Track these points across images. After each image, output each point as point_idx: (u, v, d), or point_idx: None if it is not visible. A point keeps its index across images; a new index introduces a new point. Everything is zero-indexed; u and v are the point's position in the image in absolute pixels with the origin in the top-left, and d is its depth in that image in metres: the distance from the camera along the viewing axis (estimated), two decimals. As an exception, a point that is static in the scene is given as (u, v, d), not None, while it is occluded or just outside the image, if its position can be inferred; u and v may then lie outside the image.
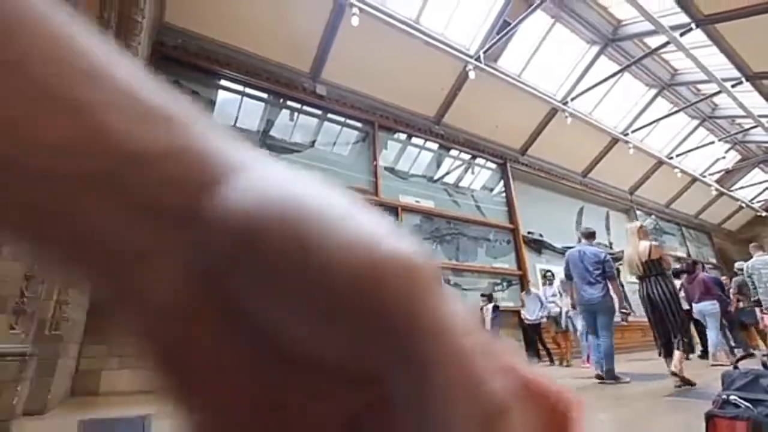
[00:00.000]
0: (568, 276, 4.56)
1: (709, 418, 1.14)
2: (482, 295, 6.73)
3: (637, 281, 4.16)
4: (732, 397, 1.09)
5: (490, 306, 6.20)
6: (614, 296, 4.27)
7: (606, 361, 4.08)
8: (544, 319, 6.54)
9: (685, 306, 6.07)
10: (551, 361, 6.61)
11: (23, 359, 2.93)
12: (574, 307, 4.88)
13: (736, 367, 1.13)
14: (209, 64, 6.13)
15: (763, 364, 1.13)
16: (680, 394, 3.06)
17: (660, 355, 3.89)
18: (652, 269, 3.84)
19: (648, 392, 3.29)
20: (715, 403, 1.17)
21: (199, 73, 6.09)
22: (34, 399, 3.01)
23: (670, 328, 3.64)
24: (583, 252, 4.41)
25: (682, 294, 5.92)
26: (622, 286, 10.67)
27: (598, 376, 4.13)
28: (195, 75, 6.05)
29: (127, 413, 3.05)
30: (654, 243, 4.01)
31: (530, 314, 6.62)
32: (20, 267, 3.21)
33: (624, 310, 4.56)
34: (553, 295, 6.60)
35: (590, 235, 4.64)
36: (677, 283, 5.93)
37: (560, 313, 6.48)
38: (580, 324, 5.67)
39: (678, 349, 3.52)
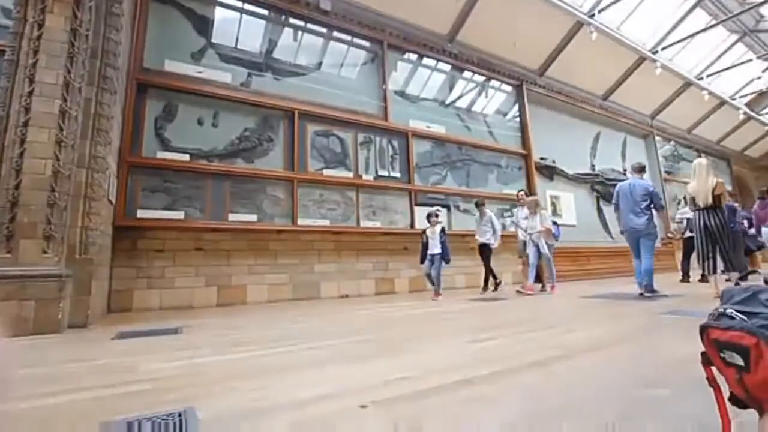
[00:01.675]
0: (616, 205, 5.03)
1: (704, 329, 1.20)
2: (476, 204, 6.48)
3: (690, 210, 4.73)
4: (728, 310, 1.13)
5: (438, 228, 5.56)
6: (659, 223, 4.91)
7: (647, 277, 4.67)
8: (492, 242, 6.13)
9: (752, 231, 7.17)
10: (495, 286, 6.28)
11: (60, 279, 3.16)
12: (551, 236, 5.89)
13: (737, 284, 1.17)
14: (203, -25, 5.64)
15: (765, 281, 1.17)
16: (679, 312, 3.22)
17: (707, 274, 4.57)
18: (714, 202, 4.32)
19: (646, 310, 3.47)
20: (711, 315, 1.22)
21: (193, -14, 5.62)
22: (76, 314, 3.31)
23: (724, 253, 4.23)
24: (633, 185, 4.90)
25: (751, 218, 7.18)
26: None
27: (641, 294, 4.64)
28: (189, -11, 5.60)
29: (160, 326, 3.35)
30: (720, 180, 4.39)
31: (480, 235, 6.26)
32: (43, 194, 3.32)
33: (670, 235, 5.39)
34: (525, 218, 6.10)
35: (641, 169, 5.08)
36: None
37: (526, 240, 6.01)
38: (532, 255, 5.73)
39: (729, 270, 4.24)
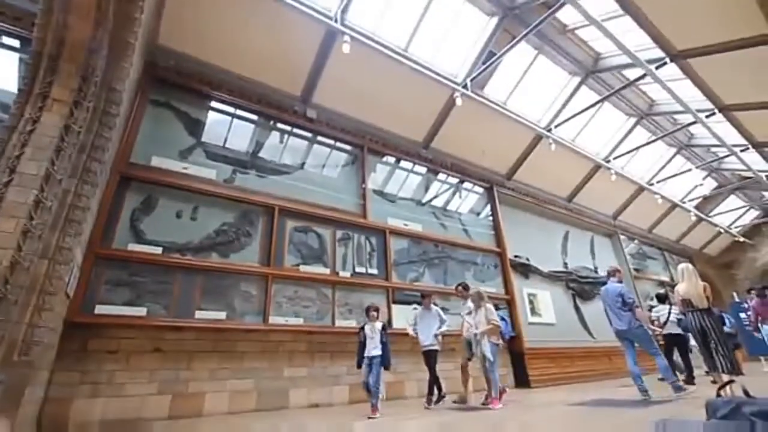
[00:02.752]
0: (605, 310, 5.30)
1: (695, 447, 1.13)
2: (422, 296, 5.76)
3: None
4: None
5: (378, 325, 4.73)
6: (640, 321, 5.02)
7: (667, 375, 4.82)
8: (436, 346, 5.33)
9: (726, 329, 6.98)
10: (439, 398, 5.30)
11: (-12, 387, 2.77)
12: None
13: (718, 395, 1.14)
14: (200, 85, 6.18)
15: (745, 392, 1.14)
16: (667, 423, 3.04)
17: (707, 373, 4.89)
18: (703, 304, 4.59)
19: (638, 420, 3.26)
20: None
21: (190, 94, 6.12)
22: (-2, 430, 2.84)
23: (717, 353, 4.40)
24: (607, 289, 5.28)
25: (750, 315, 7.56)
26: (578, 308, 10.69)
27: (644, 399, 4.68)
28: (186, 96, 6.08)
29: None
30: (705, 283, 4.73)
31: (425, 337, 5.34)
32: (-8, 288, 3.09)
33: (654, 330, 5.40)
34: (468, 313, 5.33)
35: (613, 273, 5.47)
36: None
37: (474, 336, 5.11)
38: (489, 351, 4.81)
39: (723, 371, 4.31)
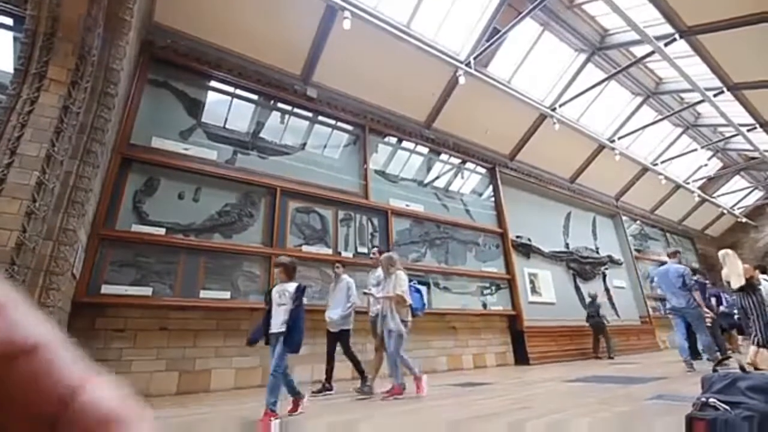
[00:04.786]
0: (659, 287, 5.74)
1: (690, 421, 1.16)
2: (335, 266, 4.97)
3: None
4: (711, 400, 1.11)
5: (291, 287, 3.36)
6: (698, 303, 5.32)
7: (707, 353, 5.14)
8: (348, 322, 4.58)
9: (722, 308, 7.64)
10: (362, 382, 4.28)
11: None
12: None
13: (715, 371, 1.16)
14: (199, 64, 6.08)
15: (741, 368, 1.16)
16: (664, 396, 3.11)
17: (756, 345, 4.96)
18: (746, 285, 4.85)
19: (630, 395, 3.34)
20: (695, 405, 1.19)
21: (188, 73, 6.03)
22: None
23: (757, 329, 4.65)
24: (668, 269, 5.63)
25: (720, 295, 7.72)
26: (608, 290, 10.84)
27: (688, 371, 4.95)
28: (184, 75, 5.99)
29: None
30: (746, 266, 5.00)
31: (332, 314, 4.55)
32: (0, 267, 3.13)
33: (706, 313, 5.50)
34: (377, 284, 4.46)
35: (674, 254, 5.91)
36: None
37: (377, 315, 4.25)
38: (395, 327, 3.92)
39: (759, 345, 4.58)
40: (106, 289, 4.46)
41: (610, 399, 3.26)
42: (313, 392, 4.22)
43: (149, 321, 4.62)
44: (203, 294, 5.04)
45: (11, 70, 4.03)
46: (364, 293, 4.62)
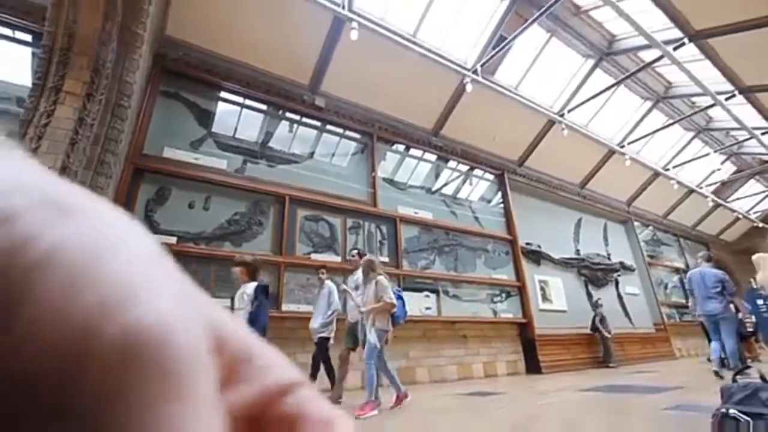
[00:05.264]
0: (691, 291, 5.59)
1: (710, 432, 1.13)
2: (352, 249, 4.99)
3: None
4: (731, 411, 1.08)
5: (249, 288, 3.42)
6: (736, 307, 5.37)
7: (731, 359, 5.02)
8: (329, 330, 4.41)
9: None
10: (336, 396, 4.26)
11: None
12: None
13: (734, 380, 1.13)
14: (210, 76, 6.19)
15: (762, 377, 1.13)
16: (682, 407, 3.04)
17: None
18: None
19: (648, 404, 3.26)
20: (715, 416, 1.16)
21: (199, 84, 6.14)
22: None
23: None
24: (704, 273, 5.44)
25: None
26: (621, 297, 10.67)
27: (716, 373, 4.96)
28: (195, 87, 6.11)
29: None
30: None
31: (314, 322, 4.45)
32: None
33: (747, 319, 5.70)
34: (355, 288, 4.30)
35: (710, 258, 5.68)
36: None
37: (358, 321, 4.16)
38: (374, 337, 3.73)
39: None
40: (118, 297, 4.50)
41: (625, 409, 3.19)
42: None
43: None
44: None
45: (29, 84, 4.14)
46: (342, 290, 4.42)
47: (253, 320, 3.01)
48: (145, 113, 5.45)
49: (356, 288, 4.24)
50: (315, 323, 4.39)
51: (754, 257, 5.16)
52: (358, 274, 4.24)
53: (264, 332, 3.14)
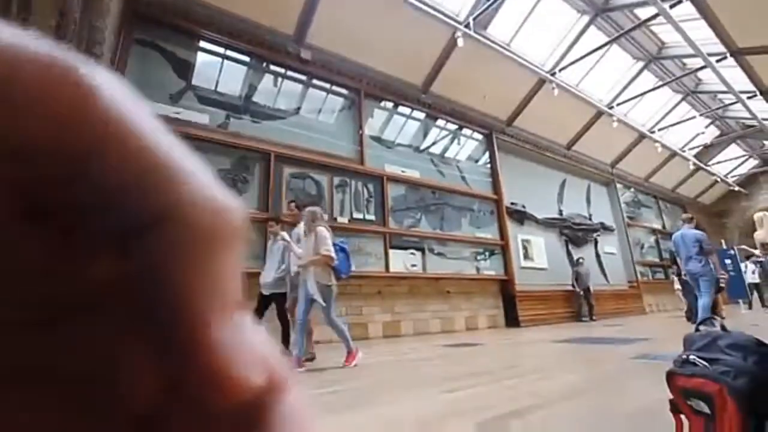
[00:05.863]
0: (677, 252, 5.78)
1: (670, 376, 1.22)
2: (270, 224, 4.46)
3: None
4: (691, 357, 1.16)
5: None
6: (713, 266, 5.43)
7: (702, 313, 5.26)
8: (284, 286, 4.14)
9: None
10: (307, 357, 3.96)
11: None
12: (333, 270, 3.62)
13: (697, 330, 1.21)
14: (188, 23, 5.81)
15: (722, 327, 1.22)
16: (649, 356, 3.27)
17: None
18: None
19: (617, 354, 3.51)
20: (677, 362, 1.24)
21: (176, 33, 5.77)
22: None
23: None
24: (684, 234, 5.64)
25: None
26: (599, 256, 11.07)
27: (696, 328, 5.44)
28: (172, 35, 5.74)
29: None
30: None
31: (266, 275, 4.17)
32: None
33: (722, 276, 5.68)
34: (298, 241, 4.01)
35: (689, 220, 5.84)
36: None
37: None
38: (316, 292, 3.45)
39: None
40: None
41: (595, 358, 3.42)
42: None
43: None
44: (201, 259, 5.08)
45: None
46: (281, 240, 4.09)
47: None
48: (119, 63, 5.14)
49: (298, 241, 3.97)
50: (268, 278, 4.08)
51: (757, 215, 5.37)
52: (301, 227, 4.00)
53: None
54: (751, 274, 11.10)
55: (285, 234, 4.08)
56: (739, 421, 0.97)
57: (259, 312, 4.08)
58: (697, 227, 5.58)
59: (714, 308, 7.91)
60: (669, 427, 1.16)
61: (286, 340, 4.03)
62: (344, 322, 3.75)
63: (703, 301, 5.40)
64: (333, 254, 3.48)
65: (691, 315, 6.54)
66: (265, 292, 4.11)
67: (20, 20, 3.81)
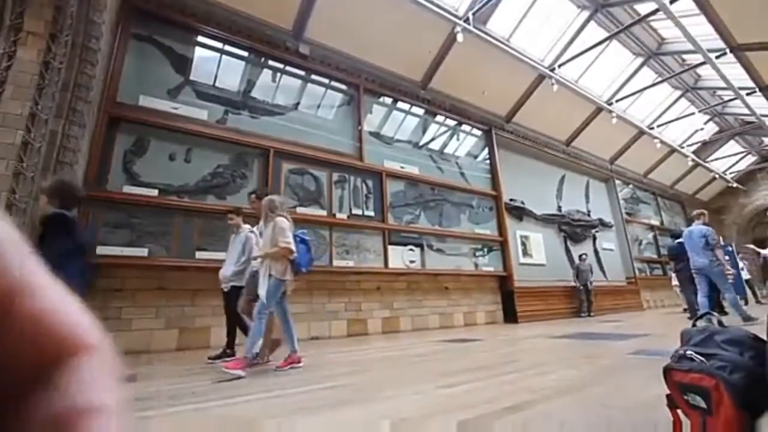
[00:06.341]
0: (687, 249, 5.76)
1: (667, 371, 1.23)
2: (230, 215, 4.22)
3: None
4: (688, 352, 1.17)
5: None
6: (721, 261, 5.45)
7: (735, 309, 5.34)
8: (241, 279, 3.85)
9: None
10: (225, 351, 3.86)
11: None
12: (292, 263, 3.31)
13: (694, 325, 1.22)
14: (185, 18, 5.77)
15: (719, 322, 1.22)
16: (646, 351, 3.29)
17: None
18: None
19: (614, 350, 3.52)
20: (673, 357, 1.25)
21: (174, 27, 5.73)
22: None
23: None
24: (692, 230, 5.72)
25: None
26: (597, 252, 11.09)
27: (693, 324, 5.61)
28: (170, 30, 5.70)
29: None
30: None
31: (225, 269, 3.93)
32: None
33: (728, 269, 5.60)
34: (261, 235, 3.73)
35: (699, 216, 5.86)
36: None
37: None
38: (264, 288, 3.18)
39: None
40: (101, 250, 4.47)
41: (593, 354, 3.43)
42: (210, 358, 3.73)
43: (147, 281, 4.69)
44: (199, 255, 5.09)
45: (-16, 21, 3.80)
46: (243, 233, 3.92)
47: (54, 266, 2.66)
48: (116, 58, 5.10)
49: (261, 234, 3.67)
50: (227, 271, 3.86)
51: None
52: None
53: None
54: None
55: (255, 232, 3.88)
56: (735, 415, 0.97)
57: (227, 305, 3.87)
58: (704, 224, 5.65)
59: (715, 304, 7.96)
60: (666, 422, 1.17)
61: (231, 335, 3.85)
62: (293, 322, 3.39)
63: (730, 297, 5.39)
64: (292, 246, 3.20)
65: (692, 313, 6.50)
66: (224, 288, 3.87)
67: (17, 14, 3.78)
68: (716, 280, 5.45)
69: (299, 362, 3.20)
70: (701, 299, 5.59)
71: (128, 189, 4.84)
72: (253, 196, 4.06)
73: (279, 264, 3.20)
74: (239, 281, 3.83)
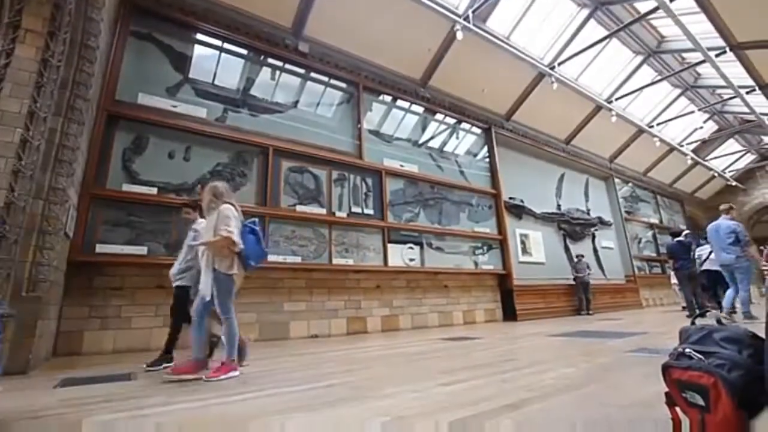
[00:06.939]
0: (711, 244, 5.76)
1: (665, 368, 1.23)
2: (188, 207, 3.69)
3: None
4: (687, 350, 1.17)
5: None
6: (752, 257, 5.45)
7: (744, 306, 5.29)
8: (187, 277, 3.43)
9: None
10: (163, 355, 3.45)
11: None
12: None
13: (693, 323, 1.22)
14: (185, 16, 5.75)
15: (718, 320, 1.22)
16: (644, 350, 3.29)
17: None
18: None
19: (612, 348, 3.53)
20: (672, 355, 1.25)
21: (173, 25, 5.71)
22: (15, 359, 3.02)
23: None
24: (719, 225, 5.58)
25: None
26: (596, 251, 11.10)
27: (721, 320, 5.58)
28: (169, 28, 5.68)
29: (111, 371, 3.10)
30: None
31: (174, 267, 3.52)
32: (-9, 227, 3.11)
33: (764, 266, 5.72)
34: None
35: (728, 210, 5.76)
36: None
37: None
38: (206, 284, 2.84)
39: None
40: (100, 248, 4.47)
41: (591, 351, 3.44)
42: (148, 365, 3.29)
43: (146, 279, 4.68)
44: (199, 253, 5.08)
45: (-18, 19, 3.78)
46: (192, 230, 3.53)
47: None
48: (115, 56, 5.09)
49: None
50: (174, 269, 3.48)
51: None
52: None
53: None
54: None
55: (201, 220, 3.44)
56: (734, 413, 0.97)
57: (177, 305, 3.47)
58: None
59: (708, 301, 7.94)
60: (665, 420, 1.17)
61: (172, 337, 3.51)
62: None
63: (742, 296, 5.32)
64: (235, 236, 2.81)
65: (691, 311, 6.48)
66: (174, 286, 3.49)
67: (15, 12, 3.77)
68: (739, 276, 5.35)
69: (235, 370, 2.75)
70: (730, 293, 5.53)
71: (127, 187, 4.83)
72: (198, 187, 3.63)
73: (224, 257, 2.84)
74: (185, 280, 3.43)
